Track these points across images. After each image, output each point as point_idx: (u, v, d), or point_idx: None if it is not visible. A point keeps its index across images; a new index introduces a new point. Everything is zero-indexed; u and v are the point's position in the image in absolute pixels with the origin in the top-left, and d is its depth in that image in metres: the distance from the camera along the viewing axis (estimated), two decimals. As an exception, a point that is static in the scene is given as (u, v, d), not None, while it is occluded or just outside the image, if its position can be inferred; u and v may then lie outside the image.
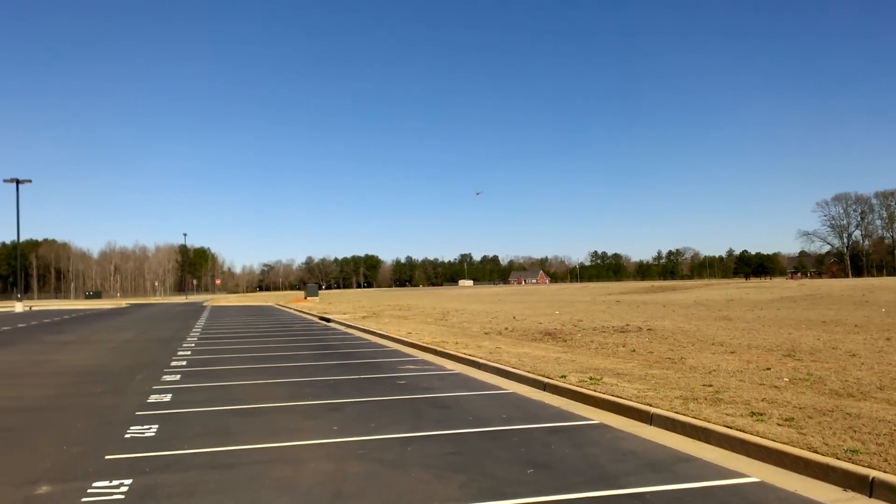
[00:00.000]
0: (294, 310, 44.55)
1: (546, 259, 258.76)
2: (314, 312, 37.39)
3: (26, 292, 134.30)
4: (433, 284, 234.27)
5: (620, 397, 8.53)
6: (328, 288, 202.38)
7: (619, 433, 7.35)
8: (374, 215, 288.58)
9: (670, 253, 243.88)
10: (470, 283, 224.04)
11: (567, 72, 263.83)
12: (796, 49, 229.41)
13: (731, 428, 6.71)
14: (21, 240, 63.33)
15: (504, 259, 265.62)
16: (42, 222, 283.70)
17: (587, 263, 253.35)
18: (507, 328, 20.62)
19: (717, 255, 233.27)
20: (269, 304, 62.56)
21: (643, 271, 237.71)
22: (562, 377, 10.27)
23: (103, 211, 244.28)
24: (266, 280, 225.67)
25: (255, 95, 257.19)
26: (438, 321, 25.61)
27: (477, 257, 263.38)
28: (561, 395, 9.54)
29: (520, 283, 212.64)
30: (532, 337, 17.36)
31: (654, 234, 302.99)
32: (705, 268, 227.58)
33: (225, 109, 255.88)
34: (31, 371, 13.94)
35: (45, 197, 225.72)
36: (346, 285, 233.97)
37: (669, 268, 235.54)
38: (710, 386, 9.07)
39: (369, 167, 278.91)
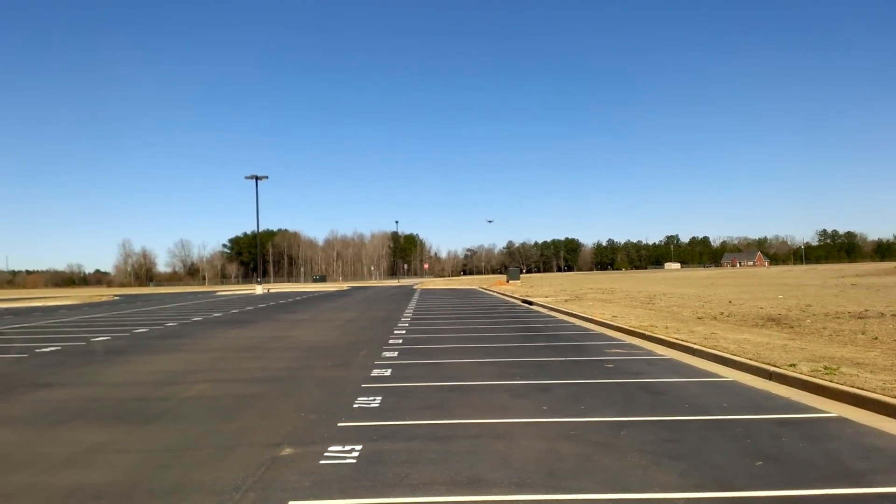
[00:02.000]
0: (496, 293, 45.56)
1: (765, 239, 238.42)
2: (516, 295, 37.93)
3: (264, 276, 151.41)
4: (636, 268, 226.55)
5: (863, 389, 7.62)
6: (528, 271, 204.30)
7: (862, 428, 6.57)
8: (574, 198, 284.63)
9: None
10: (677, 265, 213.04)
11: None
12: None
13: None
14: (259, 230, 71.64)
15: (715, 240, 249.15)
16: (276, 214, 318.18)
17: (814, 243, 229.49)
18: (722, 313, 19.33)
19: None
20: (472, 286, 64.60)
21: (883, 251, 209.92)
22: (791, 366, 9.41)
23: (327, 201, 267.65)
24: (469, 264, 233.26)
25: (449, 92, 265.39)
26: (644, 305, 24.70)
27: (684, 239, 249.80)
28: (790, 385, 8.74)
29: (734, 265, 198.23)
30: (752, 322, 16.12)
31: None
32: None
33: (425, 107, 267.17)
34: (272, 346, 15.72)
35: (279, 191, 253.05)
36: (547, 269, 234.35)
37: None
38: (980, 381, 7.77)
39: (568, 147, 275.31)
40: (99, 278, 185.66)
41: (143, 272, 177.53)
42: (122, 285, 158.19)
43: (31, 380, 11.10)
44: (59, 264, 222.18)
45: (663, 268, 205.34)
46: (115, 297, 62.08)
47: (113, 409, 8.41)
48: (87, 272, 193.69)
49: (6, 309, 40.08)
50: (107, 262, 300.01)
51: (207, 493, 5.08)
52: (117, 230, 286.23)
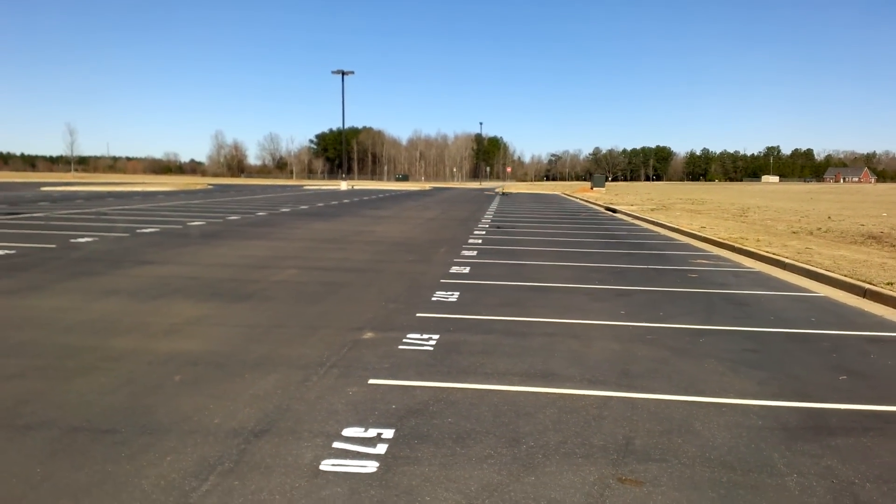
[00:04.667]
0: (580, 199, 44.77)
1: (874, 154, 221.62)
2: (600, 203, 37.18)
3: (348, 173, 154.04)
4: (731, 179, 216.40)
5: (969, 314, 7.17)
6: (615, 179, 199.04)
7: (964, 353, 6.22)
8: (667, 103, 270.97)
9: None
10: (775, 179, 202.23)
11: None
12: None
13: None
14: (345, 127, 72.13)
15: (819, 153, 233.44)
16: (362, 111, 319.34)
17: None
18: (819, 228, 18.38)
19: None
20: (555, 192, 63.66)
21: None
22: (888, 284, 8.93)
23: (412, 101, 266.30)
24: (553, 170, 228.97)
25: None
26: (736, 217, 23.75)
27: (786, 150, 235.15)
28: (885, 304, 8.34)
29: (838, 180, 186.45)
30: (851, 239, 15.26)
31: None
32: None
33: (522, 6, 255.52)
34: (355, 239, 16.15)
35: (365, 89, 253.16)
36: (634, 177, 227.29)
37: None
38: None
39: (664, 50, 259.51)
40: (193, 167, 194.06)
41: (234, 163, 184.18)
42: (214, 175, 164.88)
43: (134, 257, 11.89)
44: (157, 152, 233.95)
45: (760, 181, 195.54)
46: (209, 186, 64.86)
47: (208, 287, 8.94)
48: (182, 161, 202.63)
49: (108, 192, 42.63)
50: (201, 152, 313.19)
51: (294, 366, 5.39)
52: (211, 122, 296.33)
